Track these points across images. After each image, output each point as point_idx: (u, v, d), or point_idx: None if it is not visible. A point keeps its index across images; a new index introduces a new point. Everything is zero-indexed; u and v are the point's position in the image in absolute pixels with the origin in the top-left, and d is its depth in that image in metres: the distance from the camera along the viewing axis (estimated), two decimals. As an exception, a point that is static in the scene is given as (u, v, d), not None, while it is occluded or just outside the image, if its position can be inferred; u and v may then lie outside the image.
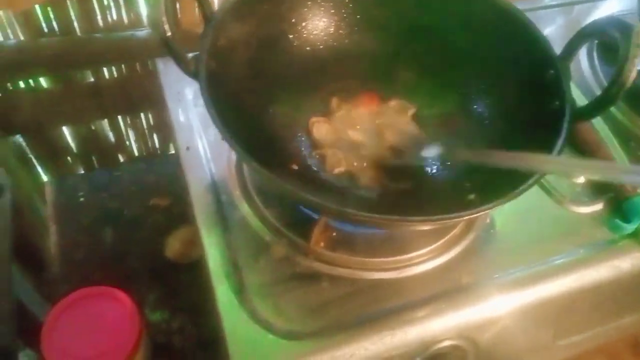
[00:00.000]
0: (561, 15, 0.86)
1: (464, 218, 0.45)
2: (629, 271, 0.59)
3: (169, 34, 0.48)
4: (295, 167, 0.57)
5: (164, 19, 0.46)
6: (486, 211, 0.45)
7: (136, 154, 1.25)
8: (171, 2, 0.48)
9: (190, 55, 0.51)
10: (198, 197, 0.59)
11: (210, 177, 0.61)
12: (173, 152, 1.26)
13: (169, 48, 0.49)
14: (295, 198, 0.45)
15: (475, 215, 0.45)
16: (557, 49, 0.55)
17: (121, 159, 1.22)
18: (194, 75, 0.50)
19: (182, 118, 0.66)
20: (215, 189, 0.60)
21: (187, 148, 0.63)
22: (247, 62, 0.57)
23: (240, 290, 0.53)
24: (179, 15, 0.89)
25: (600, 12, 0.86)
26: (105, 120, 1.17)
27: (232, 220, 0.58)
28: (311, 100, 0.63)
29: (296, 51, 0.63)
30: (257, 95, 0.57)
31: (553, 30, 0.83)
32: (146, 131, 1.23)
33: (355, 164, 0.60)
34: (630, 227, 0.59)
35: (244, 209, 0.58)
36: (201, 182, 0.60)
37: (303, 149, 0.59)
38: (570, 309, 0.60)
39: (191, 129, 0.64)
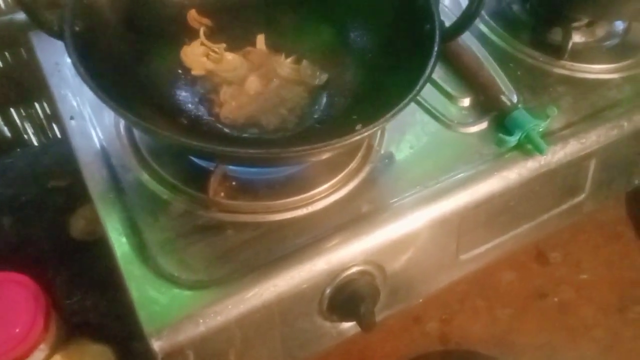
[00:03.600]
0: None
1: (347, 142, 0.46)
2: (517, 180, 0.63)
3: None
4: (184, 121, 0.57)
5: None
6: (364, 134, 0.46)
7: (36, 145, 1.19)
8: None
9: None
10: (88, 166, 0.57)
11: (98, 143, 0.59)
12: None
13: (27, 10, 0.47)
14: (178, 145, 0.44)
15: (356, 137, 0.46)
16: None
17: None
18: (59, 36, 0.48)
19: (62, 88, 0.63)
20: (105, 155, 0.58)
21: (71, 117, 0.60)
22: (117, 16, 0.55)
23: (142, 250, 0.52)
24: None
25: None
26: (-3, 114, 1.11)
27: (126, 183, 0.56)
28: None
29: (174, 6, 0.62)
30: (132, 50, 0.56)
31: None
32: (44, 121, 1.17)
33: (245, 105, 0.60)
34: (513, 140, 0.63)
35: (138, 170, 0.57)
36: (90, 149, 0.58)
37: (190, 101, 0.59)
38: (469, 223, 0.63)
39: (73, 97, 0.62)
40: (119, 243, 0.53)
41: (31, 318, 0.57)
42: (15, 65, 1.06)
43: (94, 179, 0.56)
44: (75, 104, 0.61)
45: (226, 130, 0.58)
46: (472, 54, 0.71)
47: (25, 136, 1.16)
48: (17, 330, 0.56)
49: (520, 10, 0.81)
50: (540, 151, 0.62)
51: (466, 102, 0.68)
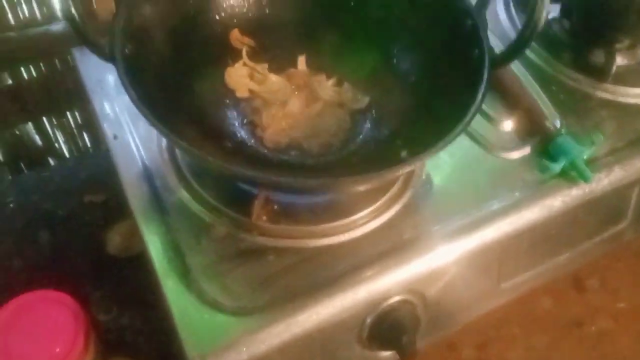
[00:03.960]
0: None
1: (395, 173, 0.46)
2: (560, 209, 0.62)
3: (77, 17, 0.46)
4: (228, 144, 0.56)
5: (71, 1, 0.44)
6: (412, 164, 0.45)
7: (67, 155, 1.20)
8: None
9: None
10: (131, 186, 0.57)
11: (141, 163, 0.59)
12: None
13: (78, 33, 0.47)
14: (225, 172, 0.44)
15: (404, 168, 0.46)
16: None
17: (51, 162, 1.18)
18: (110, 59, 0.49)
19: (106, 107, 0.63)
20: (149, 175, 0.58)
21: (115, 137, 0.61)
22: (165, 40, 0.55)
23: (185, 274, 0.52)
24: (95, 6, 0.85)
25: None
26: (30, 123, 1.12)
27: (169, 205, 0.56)
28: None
29: (217, 25, 0.62)
30: (179, 73, 0.56)
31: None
32: (75, 130, 1.18)
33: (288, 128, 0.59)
34: (557, 167, 0.62)
35: (181, 192, 0.57)
36: (133, 169, 0.59)
37: (233, 123, 0.58)
38: (510, 251, 0.62)
39: (116, 116, 0.62)
40: (163, 267, 0.52)
41: (72, 337, 0.57)
42: (49, 75, 1.07)
43: (137, 200, 0.57)
44: (119, 122, 0.62)
45: (268, 153, 0.57)
46: (514, 75, 0.70)
47: (56, 145, 1.18)
48: (58, 350, 0.56)
49: (560, 30, 0.79)
50: (586, 179, 0.61)
51: (508, 125, 0.67)
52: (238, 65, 0.61)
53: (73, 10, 0.46)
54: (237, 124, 0.59)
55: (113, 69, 0.48)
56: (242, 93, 0.60)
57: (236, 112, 0.60)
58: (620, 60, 0.74)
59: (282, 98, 0.61)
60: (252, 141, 0.58)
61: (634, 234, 0.74)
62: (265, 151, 0.57)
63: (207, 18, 0.60)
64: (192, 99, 0.57)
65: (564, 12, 0.78)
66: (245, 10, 0.63)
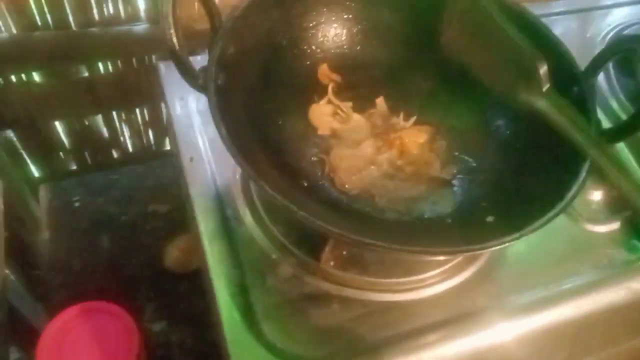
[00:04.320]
0: (570, 22, 0.83)
1: (486, 250, 0.43)
2: (645, 293, 0.57)
3: (177, 47, 0.46)
4: (305, 183, 0.55)
5: (172, 31, 0.43)
6: (511, 242, 0.42)
7: (130, 150, 1.22)
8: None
9: (197, 67, 0.48)
10: (202, 209, 0.57)
11: (215, 189, 0.58)
12: (168, 147, 1.23)
13: (177, 61, 0.46)
14: (304, 222, 0.42)
15: (497, 247, 0.43)
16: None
17: (115, 155, 1.20)
18: (202, 88, 0.48)
19: (185, 126, 0.63)
20: (220, 203, 0.57)
21: (191, 159, 0.60)
22: (256, 72, 0.54)
23: (246, 311, 0.51)
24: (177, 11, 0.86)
25: (610, 19, 0.84)
26: (99, 115, 1.14)
27: (237, 236, 0.55)
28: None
29: (308, 59, 0.60)
30: (267, 106, 0.54)
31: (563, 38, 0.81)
32: (141, 127, 1.20)
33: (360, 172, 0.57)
34: (647, 248, 0.58)
35: (250, 224, 0.56)
36: (205, 195, 0.58)
37: (311, 162, 0.57)
38: (585, 332, 0.58)
39: (195, 138, 0.62)
40: (225, 300, 0.51)
41: (124, 353, 0.57)
42: (125, 72, 1.09)
43: (207, 224, 0.56)
44: (196, 144, 0.61)
45: (344, 198, 0.55)
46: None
47: (122, 138, 1.20)
48: (110, 362, 0.56)
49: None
50: (678, 267, 0.57)
51: (598, 195, 0.63)
52: (323, 102, 0.60)
53: (174, 37, 0.45)
54: (313, 162, 0.57)
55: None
56: (324, 131, 0.59)
57: (316, 150, 0.58)
58: None
59: (363, 139, 0.59)
60: (326, 184, 0.56)
61: None
62: (338, 195, 0.55)
63: (298, 51, 0.59)
64: (276, 133, 0.55)
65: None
66: (337, 45, 0.61)
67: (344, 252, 0.55)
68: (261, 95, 0.55)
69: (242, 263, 0.54)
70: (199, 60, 0.59)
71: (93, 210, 0.77)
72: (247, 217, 0.56)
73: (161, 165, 0.86)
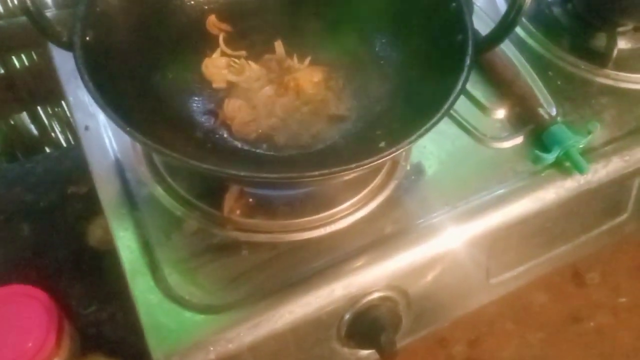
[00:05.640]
0: None
1: (369, 164, 0.43)
2: (554, 201, 0.58)
3: (31, 5, 0.44)
4: (199, 134, 0.54)
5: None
6: (388, 155, 0.43)
7: (64, 144, 1.19)
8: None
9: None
10: (101, 178, 0.56)
11: (113, 155, 0.57)
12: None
13: (33, 19, 0.45)
14: (191, 169, 0.42)
15: (379, 159, 0.43)
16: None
17: (48, 151, 1.17)
18: (68, 46, 0.46)
19: (78, 96, 0.61)
20: (120, 168, 0.56)
21: (86, 127, 0.59)
22: (131, 26, 0.52)
23: (152, 269, 0.50)
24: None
25: None
26: (25, 112, 1.11)
27: (140, 198, 0.54)
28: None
29: (193, 12, 0.59)
30: (147, 60, 0.53)
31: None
32: (71, 119, 1.17)
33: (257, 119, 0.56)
34: (551, 157, 0.58)
35: (153, 185, 0.55)
36: (104, 161, 0.57)
37: (205, 114, 0.56)
38: (500, 245, 0.59)
39: (89, 107, 0.60)
40: (130, 262, 0.51)
41: (44, 333, 0.56)
42: (42, 63, 1.06)
43: (107, 192, 0.55)
44: (91, 113, 0.60)
45: (240, 145, 0.55)
46: (508, 60, 0.66)
47: (53, 134, 1.17)
48: (30, 344, 0.55)
49: (561, 13, 0.75)
50: (581, 170, 0.58)
51: (500, 114, 0.63)
52: (216, 55, 0.59)
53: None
54: (207, 114, 0.56)
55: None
56: (218, 84, 0.58)
57: (207, 102, 0.57)
58: (623, 45, 0.70)
59: (258, 87, 0.58)
60: (223, 133, 0.55)
61: (636, 226, 0.71)
62: (237, 143, 0.55)
63: (180, 3, 0.57)
64: (162, 89, 0.54)
65: (566, -6, 0.74)
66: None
67: (250, 200, 0.54)
68: (144, 51, 0.54)
69: (145, 224, 0.53)
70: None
71: (11, 200, 0.75)
72: (148, 178, 0.55)
73: (77, 148, 0.84)
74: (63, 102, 1.14)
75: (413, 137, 0.43)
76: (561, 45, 0.70)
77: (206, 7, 0.59)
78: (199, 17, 0.59)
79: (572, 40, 0.71)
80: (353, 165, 0.42)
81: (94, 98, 0.42)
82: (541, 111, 0.61)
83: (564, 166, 0.59)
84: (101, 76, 0.46)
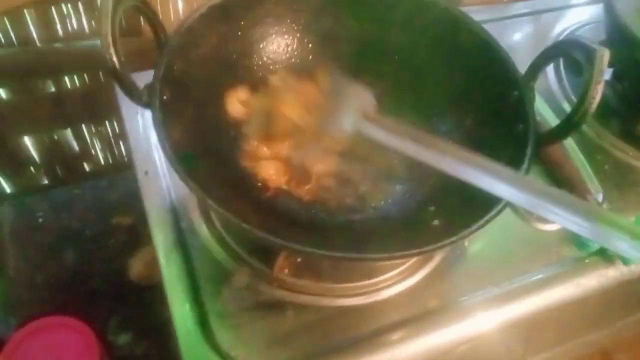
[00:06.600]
0: (528, 25, 0.85)
1: (426, 252, 0.44)
2: (596, 288, 0.59)
3: (118, 66, 0.46)
4: (261, 196, 0.55)
5: (112, 51, 0.44)
6: (449, 244, 0.44)
7: (102, 162, 1.22)
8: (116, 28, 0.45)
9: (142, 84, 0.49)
10: (157, 224, 0.57)
11: (169, 202, 0.59)
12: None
13: (119, 81, 0.46)
14: (252, 236, 0.43)
15: (439, 247, 0.44)
16: (526, 58, 0.54)
17: (87, 168, 1.20)
18: (147, 106, 0.48)
19: (140, 140, 0.63)
20: (175, 215, 0.58)
21: (146, 172, 0.61)
22: (206, 86, 0.54)
23: (201, 321, 0.51)
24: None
25: (567, 21, 0.86)
26: (69, 129, 1.14)
27: (192, 248, 0.56)
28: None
29: (260, 71, 0.61)
30: (217, 120, 0.55)
31: (521, 40, 0.83)
32: (112, 139, 1.20)
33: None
34: (596, 245, 0.59)
35: (205, 235, 0.57)
36: (160, 207, 0.58)
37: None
38: (539, 327, 0.59)
39: (150, 151, 0.62)
40: (180, 312, 0.52)
41: (84, 367, 0.57)
42: (92, 85, 1.09)
43: (162, 240, 0.56)
44: (151, 157, 0.62)
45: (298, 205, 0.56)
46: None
47: (93, 151, 1.20)
48: (68, 379, 0.57)
49: (611, 95, 0.76)
50: (625, 261, 0.58)
51: (547, 195, 0.64)
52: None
53: (114, 57, 0.45)
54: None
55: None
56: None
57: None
58: (672, 133, 0.71)
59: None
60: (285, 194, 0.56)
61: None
62: (296, 203, 0.56)
63: (250, 63, 0.60)
64: (229, 146, 0.56)
65: (617, 75, 0.75)
66: (288, 56, 0.62)
67: (298, 260, 0.55)
68: (213, 109, 0.56)
69: (197, 274, 0.54)
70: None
71: (57, 225, 0.77)
72: (202, 229, 0.57)
73: (124, 178, 0.86)
74: (107, 122, 1.17)
75: (474, 228, 0.44)
76: (610, 129, 0.71)
77: (270, 68, 0.61)
78: (264, 78, 0.60)
79: (622, 125, 0.72)
80: (415, 252, 0.43)
81: (170, 161, 0.44)
82: (588, 197, 0.62)
83: (608, 255, 0.60)
84: (174, 135, 0.48)
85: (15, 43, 0.97)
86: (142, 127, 0.64)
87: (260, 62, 0.61)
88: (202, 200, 0.44)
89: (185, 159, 0.46)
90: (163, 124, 0.46)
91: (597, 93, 0.45)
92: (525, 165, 0.48)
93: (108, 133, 1.19)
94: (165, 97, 0.49)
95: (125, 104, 0.66)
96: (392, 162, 0.59)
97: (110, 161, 1.24)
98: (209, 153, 0.53)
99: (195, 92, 0.54)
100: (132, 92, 0.47)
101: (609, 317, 0.65)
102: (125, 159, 1.24)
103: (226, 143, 0.56)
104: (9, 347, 0.58)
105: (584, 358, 0.75)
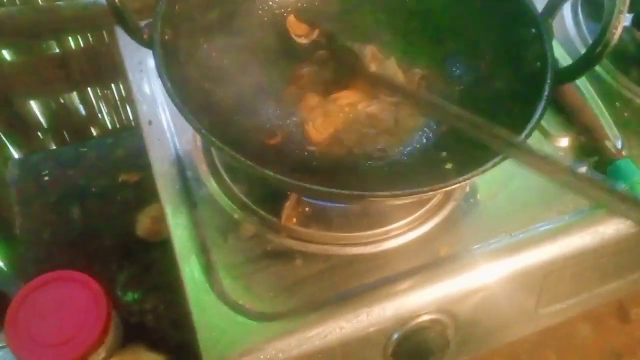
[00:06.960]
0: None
1: (437, 191, 0.42)
2: (613, 237, 0.57)
3: (117, 1, 0.44)
4: (272, 140, 0.54)
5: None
6: (460, 184, 0.42)
7: (109, 126, 1.21)
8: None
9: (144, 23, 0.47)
10: (162, 174, 0.56)
11: (174, 152, 0.58)
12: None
13: (118, 17, 0.45)
14: (261, 177, 0.42)
15: (448, 188, 0.42)
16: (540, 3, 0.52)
17: (94, 132, 1.19)
18: (148, 44, 0.47)
19: (144, 89, 0.62)
20: (180, 165, 0.57)
21: (150, 122, 0.59)
22: (209, 28, 0.52)
23: (208, 271, 0.51)
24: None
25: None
26: (75, 92, 1.13)
27: (198, 198, 0.55)
28: (283, 66, 0.58)
29: (265, 14, 0.59)
30: (222, 63, 0.53)
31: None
32: (118, 102, 1.19)
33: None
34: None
35: (211, 185, 0.55)
36: (165, 158, 0.57)
37: (276, 120, 0.56)
38: (553, 278, 0.58)
39: (154, 101, 0.61)
40: (187, 263, 0.51)
41: (92, 321, 0.57)
42: (96, 46, 1.08)
43: (167, 189, 0.55)
44: (155, 107, 0.60)
45: (310, 150, 0.54)
46: (575, 88, 0.65)
47: (99, 115, 1.19)
48: (79, 330, 0.56)
49: (630, 40, 0.73)
50: (644, 209, 0.56)
51: (564, 142, 0.62)
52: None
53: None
54: (284, 118, 0.55)
55: (154, 52, 0.46)
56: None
57: (281, 110, 0.56)
58: (695, 77, 0.68)
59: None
60: (295, 136, 0.55)
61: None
62: (308, 149, 0.54)
63: (256, 6, 0.57)
64: (234, 92, 0.54)
65: (636, 21, 0.72)
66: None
67: (307, 209, 0.54)
68: (217, 51, 0.54)
69: (203, 223, 0.53)
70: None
71: (63, 183, 0.76)
72: (208, 179, 0.56)
73: (130, 135, 0.85)
74: (112, 85, 1.16)
75: (488, 165, 0.43)
76: (630, 76, 0.68)
77: (278, 12, 0.59)
78: (276, 21, 0.58)
79: (641, 71, 0.69)
80: (426, 189, 0.41)
81: (171, 98, 0.43)
82: (607, 144, 0.60)
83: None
84: (177, 75, 0.46)
85: (17, 1, 0.95)
86: (144, 76, 0.62)
87: (266, 7, 0.58)
88: (207, 141, 0.42)
89: (191, 102, 0.45)
90: (164, 61, 0.44)
91: (619, 23, 0.42)
92: (543, 104, 0.46)
93: (114, 96, 1.18)
94: (166, 37, 0.47)
95: (127, 54, 0.64)
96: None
97: (118, 125, 1.23)
98: (218, 97, 0.51)
99: (200, 34, 0.52)
100: (133, 31, 0.45)
101: (626, 268, 0.64)
102: (133, 123, 1.23)
103: (239, 88, 0.54)
104: (16, 301, 0.58)
105: (599, 310, 0.73)
